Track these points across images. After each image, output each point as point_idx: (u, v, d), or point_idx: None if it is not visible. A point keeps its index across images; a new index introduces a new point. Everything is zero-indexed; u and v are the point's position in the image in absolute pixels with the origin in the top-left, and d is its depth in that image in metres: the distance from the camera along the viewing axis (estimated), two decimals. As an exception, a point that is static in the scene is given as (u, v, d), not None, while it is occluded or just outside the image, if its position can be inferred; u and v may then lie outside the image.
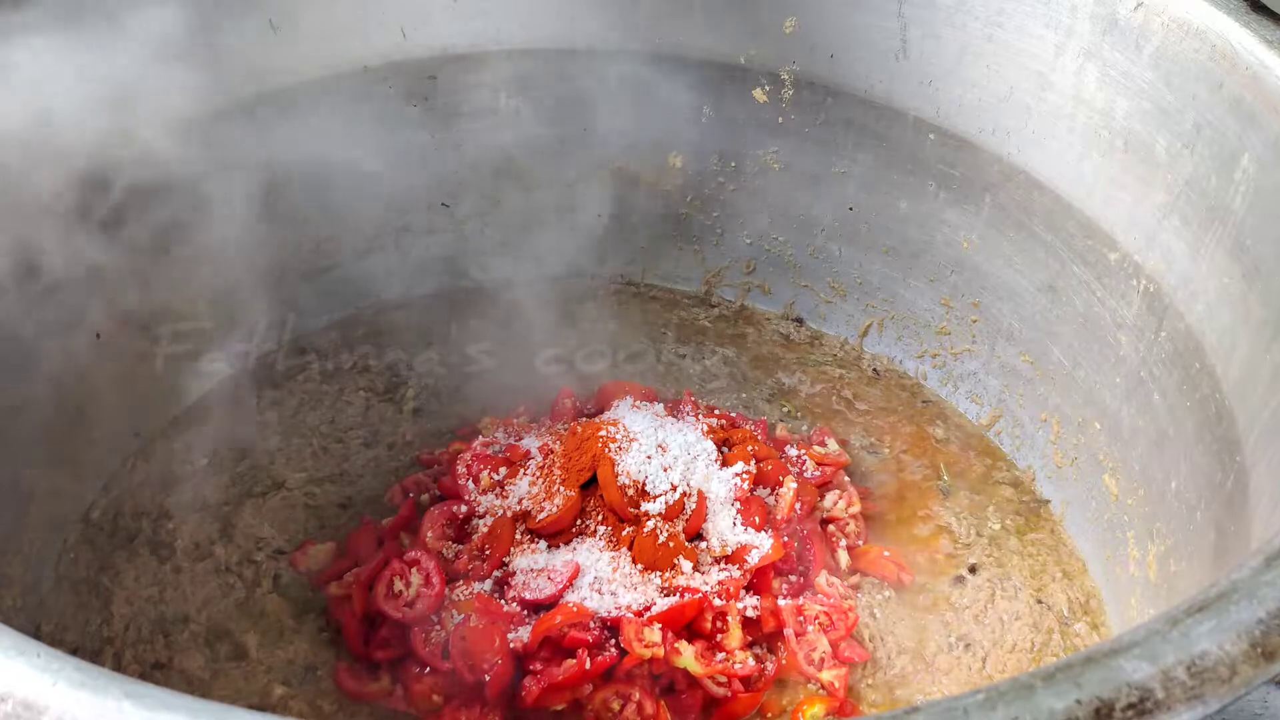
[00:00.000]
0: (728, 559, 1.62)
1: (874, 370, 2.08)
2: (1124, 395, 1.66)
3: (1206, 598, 0.78)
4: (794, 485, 1.71)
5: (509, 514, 1.63)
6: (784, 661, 1.57)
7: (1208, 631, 0.76)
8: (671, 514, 1.61)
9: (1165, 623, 0.75)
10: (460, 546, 1.63)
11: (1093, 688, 0.71)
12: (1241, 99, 1.41)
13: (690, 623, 1.53)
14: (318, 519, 1.74)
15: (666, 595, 1.54)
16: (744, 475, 1.69)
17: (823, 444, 1.88)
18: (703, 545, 1.62)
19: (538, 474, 1.67)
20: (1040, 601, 1.69)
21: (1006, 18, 1.68)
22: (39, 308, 1.54)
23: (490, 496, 1.67)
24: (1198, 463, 1.47)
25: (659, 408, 1.82)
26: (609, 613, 1.51)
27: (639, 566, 1.57)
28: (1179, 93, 1.50)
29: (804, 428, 1.95)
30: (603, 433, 1.67)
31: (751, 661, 1.53)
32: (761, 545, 1.62)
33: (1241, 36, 1.42)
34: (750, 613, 1.57)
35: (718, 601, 1.55)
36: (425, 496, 1.75)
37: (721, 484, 1.67)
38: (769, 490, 1.73)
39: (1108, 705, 0.70)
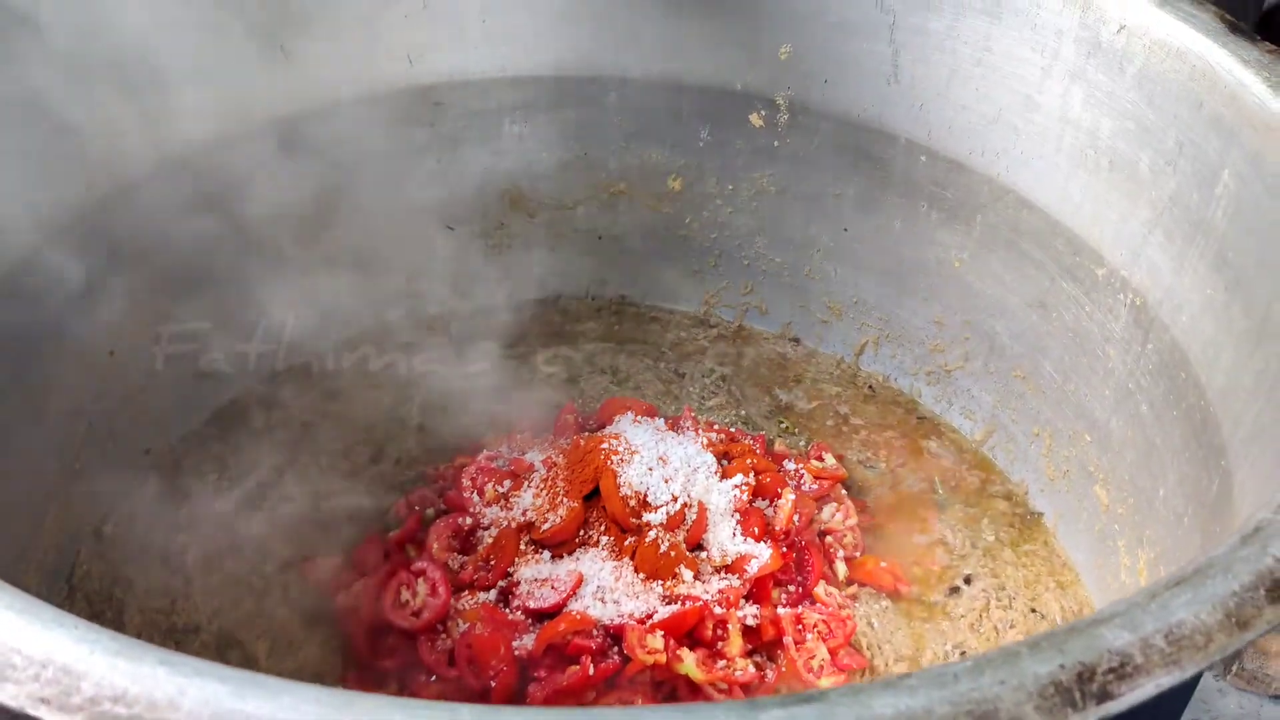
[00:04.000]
0: (728, 568, 1.64)
1: (869, 387, 2.12)
2: (1113, 407, 1.69)
3: (1184, 573, 0.81)
4: (792, 497, 1.74)
5: (513, 525, 1.66)
6: (783, 669, 1.59)
7: (1185, 603, 0.79)
8: (673, 524, 1.64)
9: (1145, 596, 0.79)
10: (465, 557, 1.66)
11: (1076, 654, 0.74)
12: (1221, 117, 1.45)
13: (691, 630, 1.55)
14: (325, 532, 1.76)
15: (668, 603, 1.57)
16: (743, 487, 1.72)
17: (820, 458, 1.91)
18: (703, 555, 1.65)
19: (541, 486, 1.69)
20: (1034, 610, 1.71)
21: (994, 42, 1.72)
22: (56, 324, 1.58)
23: (495, 508, 1.70)
24: (1184, 470, 1.50)
25: (660, 423, 1.85)
26: (612, 620, 1.53)
27: (641, 575, 1.59)
28: (1161, 112, 1.54)
29: (801, 443, 1.99)
30: (605, 446, 1.70)
31: (751, 668, 1.55)
32: (761, 555, 1.65)
33: (1220, 57, 1.45)
34: (750, 621, 1.59)
35: (718, 610, 1.57)
36: (430, 511, 1.77)
37: (721, 495, 1.70)
38: (768, 502, 1.76)
39: (1090, 669, 0.73)
